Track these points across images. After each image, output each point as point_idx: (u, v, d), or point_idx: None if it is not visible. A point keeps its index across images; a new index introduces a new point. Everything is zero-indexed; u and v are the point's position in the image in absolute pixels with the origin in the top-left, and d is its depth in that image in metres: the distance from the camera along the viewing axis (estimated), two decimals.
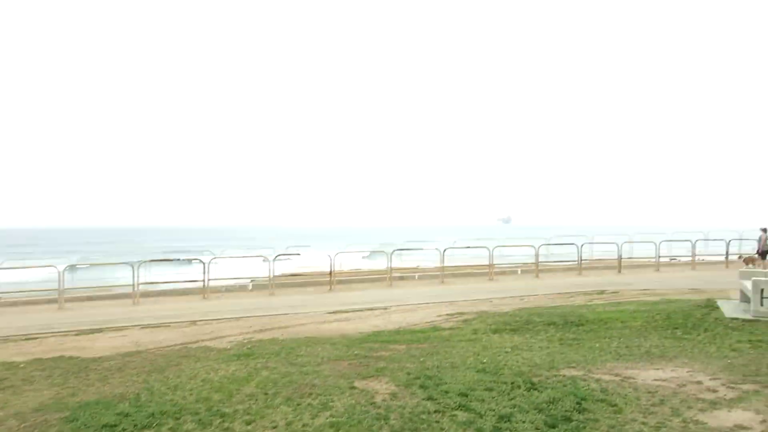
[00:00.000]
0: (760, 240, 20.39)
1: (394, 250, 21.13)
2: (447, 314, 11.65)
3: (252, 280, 19.65)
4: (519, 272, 21.95)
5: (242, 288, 18.64)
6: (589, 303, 12.48)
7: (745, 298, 10.71)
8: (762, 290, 9.57)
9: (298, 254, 24.51)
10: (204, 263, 16.88)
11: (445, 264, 20.39)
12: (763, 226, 20.53)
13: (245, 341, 9.15)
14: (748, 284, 10.17)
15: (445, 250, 20.39)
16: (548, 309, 11.50)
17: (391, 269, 19.72)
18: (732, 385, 5.58)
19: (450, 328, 9.68)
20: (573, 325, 9.28)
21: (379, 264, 24.69)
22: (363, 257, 30.42)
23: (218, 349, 8.45)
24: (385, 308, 13.18)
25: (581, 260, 21.62)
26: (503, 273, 21.72)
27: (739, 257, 22.02)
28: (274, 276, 18.25)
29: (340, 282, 19.16)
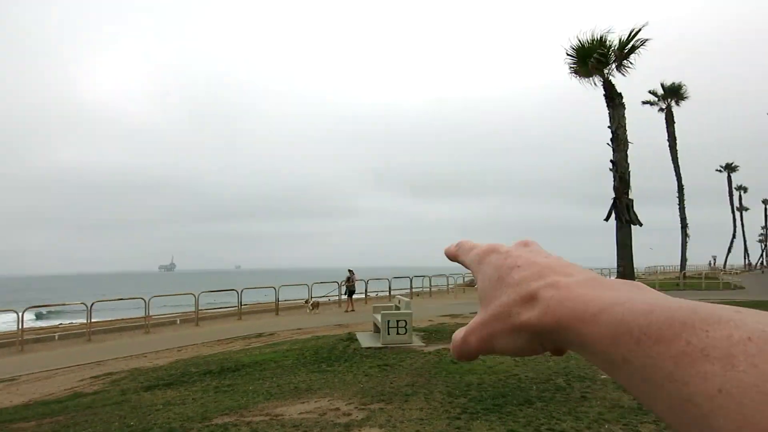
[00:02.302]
0: (349, 280, 23.12)
1: (26, 308, 17.90)
2: (92, 377, 10.40)
3: None
4: (178, 322, 21.10)
5: None
6: (248, 347, 12.77)
7: (377, 330, 12.49)
8: (389, 322, 11.31)
9: None
10: None
11: (94, 320, 18.27)
12: (350, 268, 23.61)
13: None
14: (378, 317, 11.91)
15: (92, 304, 18.22)
16: (206, 357, 11.34)
17: (23, 330, 16.63)
18: (363, 407, 6.39)
19: (94, 393, 8.66)
20: (229, 371, 9.34)
21: (8, 325, 20.57)
22: None
23: None
24: (12, 379, 11.04)
25: (241, 305, 22.05)
26: (161, 324, 20.57)
27: (306, 302, 22.76)
28: None
29: None
